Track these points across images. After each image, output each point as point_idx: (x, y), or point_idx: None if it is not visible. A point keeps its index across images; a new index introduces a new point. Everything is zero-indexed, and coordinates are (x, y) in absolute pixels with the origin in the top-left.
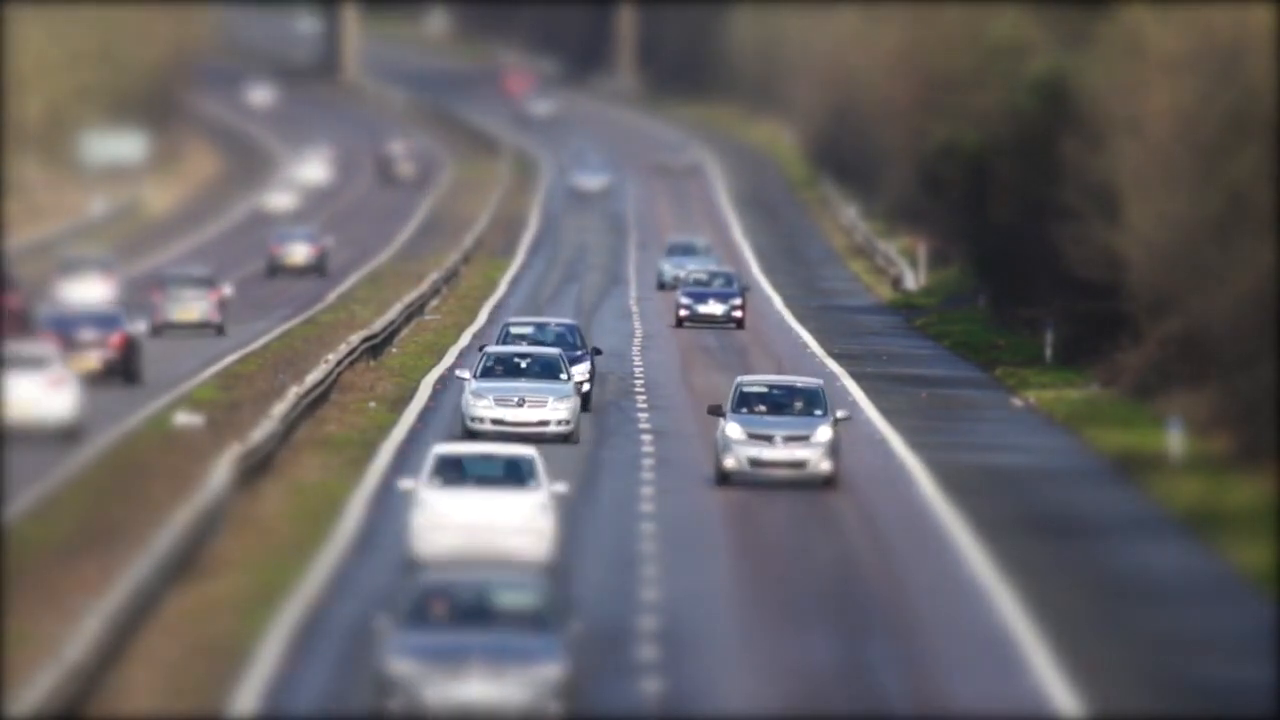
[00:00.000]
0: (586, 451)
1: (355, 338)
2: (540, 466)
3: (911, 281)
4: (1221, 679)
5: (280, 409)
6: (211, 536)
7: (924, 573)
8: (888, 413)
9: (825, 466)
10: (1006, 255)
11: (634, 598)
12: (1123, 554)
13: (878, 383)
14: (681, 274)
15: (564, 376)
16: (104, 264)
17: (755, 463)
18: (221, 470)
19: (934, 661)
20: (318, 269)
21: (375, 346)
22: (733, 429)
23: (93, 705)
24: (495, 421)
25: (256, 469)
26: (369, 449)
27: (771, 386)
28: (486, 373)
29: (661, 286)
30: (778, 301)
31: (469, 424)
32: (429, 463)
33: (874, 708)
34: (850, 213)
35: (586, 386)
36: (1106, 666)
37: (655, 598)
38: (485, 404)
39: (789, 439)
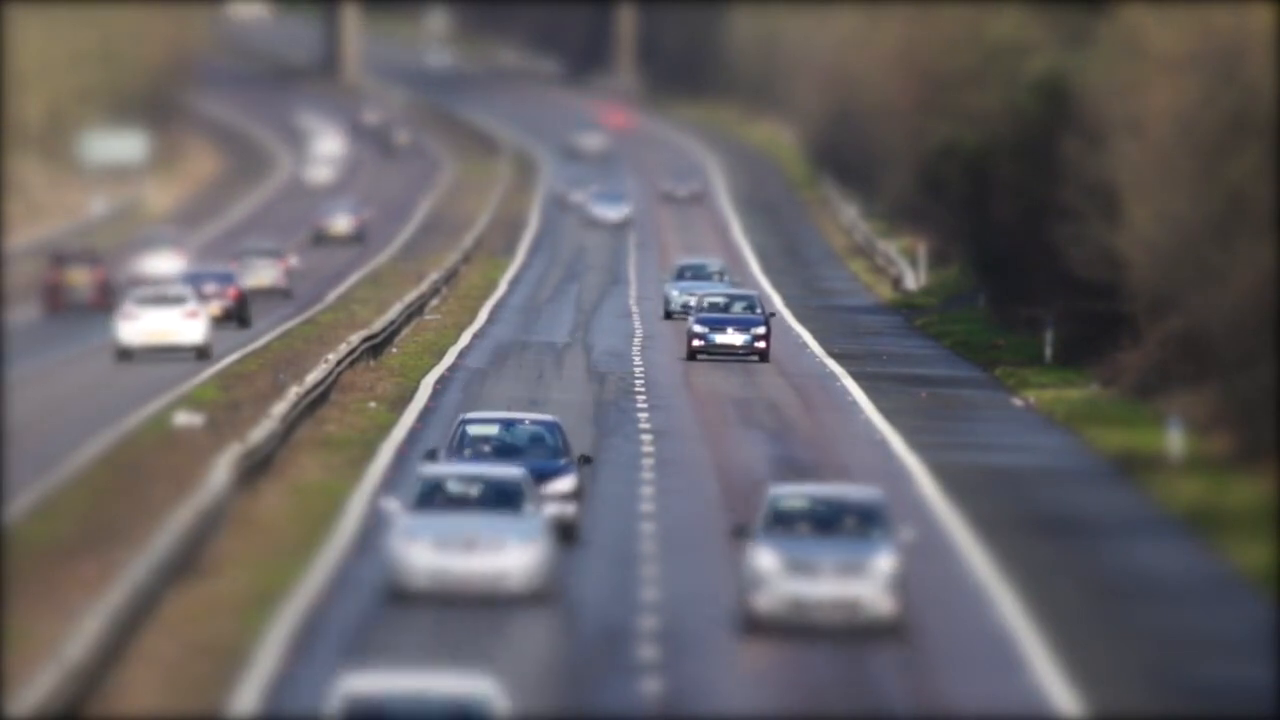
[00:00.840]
0: (588, 450)
1: (355, 338)
2: (505, 712)
3: (911, 281)
4: (1221, 679)
5: (280, 409)
6: (211, 536)
7: (924, 573)
8: (888, 413)
9: (885, 606)
10: (1006, 255)
11: (634, 598)
12: (1123, 554)
13: (878, 383)
14: (692, 301)
15: (530, 508)
16: (175, 240)
17: (797, 605)
18: (221, 470)
19: (934, 662)
20: (358, 238)
21: (375, 346)
22: (765, 558)
23: (93, 705)
24: (434, 575)
25: (256, 469)
26: (369, 449)
27: (815, 500)
28: (424, 501)
29: (669, 315)
30: (778, 301)
31: (398, 579)
32: (334, 708)
33: (874, 708)
34: (850, 213)
35: (570, 510)
36: (1106, 666)
37: (655, 597)
38: (421, 549)
39: (840, 569)
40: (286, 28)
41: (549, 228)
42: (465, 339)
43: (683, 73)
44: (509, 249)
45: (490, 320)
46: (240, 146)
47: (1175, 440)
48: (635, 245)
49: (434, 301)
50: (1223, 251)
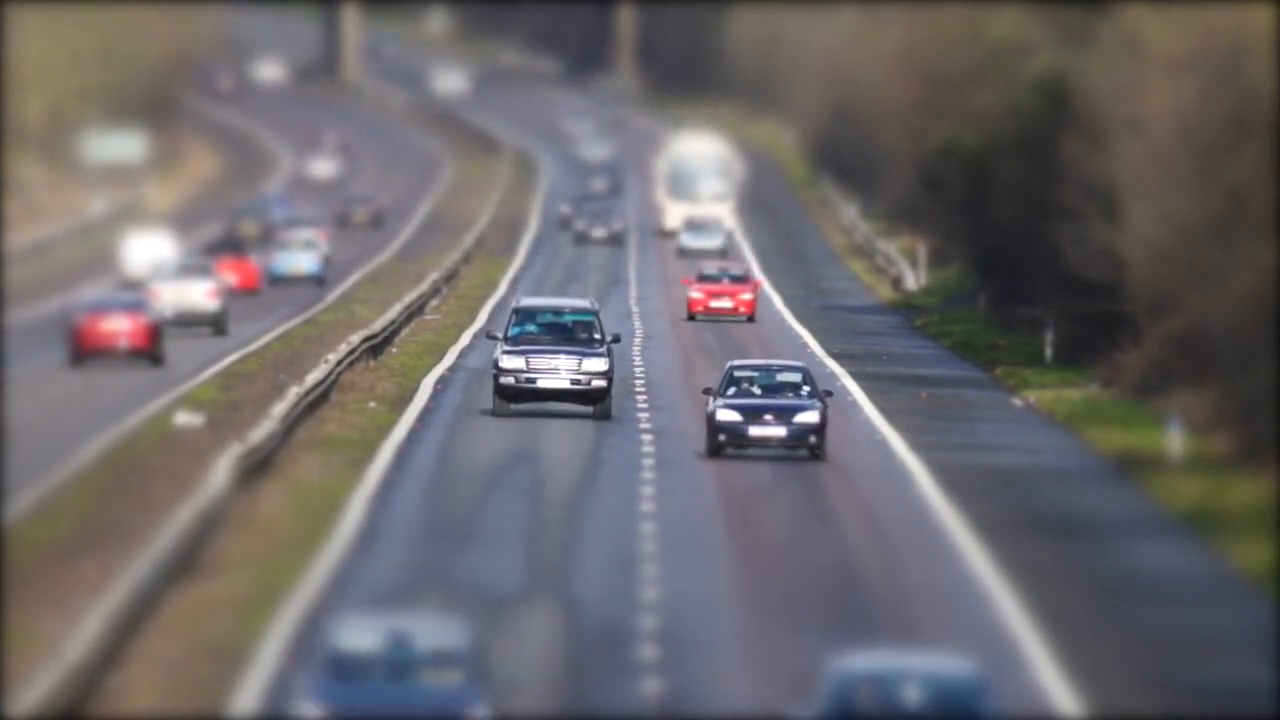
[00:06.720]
0: (588, 450)
1: (355, 337)
2: None
3: (911, 281)
4: (1221, 679)
5: (280, 409)
6: (211, 536)
7: (924, 573)
8: (888, 413)
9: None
10: (1006, 255)
11: (634, 597)
12: (1123, 554)
13: (878, 383)
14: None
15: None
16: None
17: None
18: (221, 470)
19: None
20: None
21: (375, 346)
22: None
23: (93, 705)
24: None
25: (256, 469)
26: (369, 449)
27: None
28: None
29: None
30: (778, 301)
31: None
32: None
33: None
34: (850, 213)
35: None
36: (1106, 666)
37: (655, 597)
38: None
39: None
40: (286, 28)
41: (549, 227)
42: (465, 339)
43: (683, 73)
44: (509, 249)
45: (492, 319)
46: (240, 146)
47: (1175, 440)
48: (635, 246)
49: (434, 301)
50: (1223, 251)
